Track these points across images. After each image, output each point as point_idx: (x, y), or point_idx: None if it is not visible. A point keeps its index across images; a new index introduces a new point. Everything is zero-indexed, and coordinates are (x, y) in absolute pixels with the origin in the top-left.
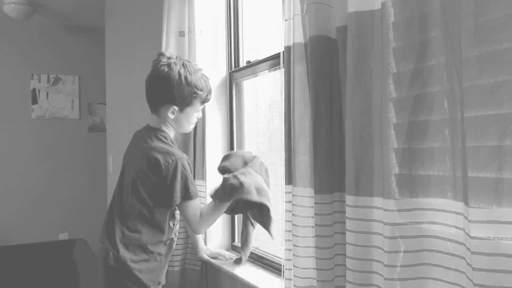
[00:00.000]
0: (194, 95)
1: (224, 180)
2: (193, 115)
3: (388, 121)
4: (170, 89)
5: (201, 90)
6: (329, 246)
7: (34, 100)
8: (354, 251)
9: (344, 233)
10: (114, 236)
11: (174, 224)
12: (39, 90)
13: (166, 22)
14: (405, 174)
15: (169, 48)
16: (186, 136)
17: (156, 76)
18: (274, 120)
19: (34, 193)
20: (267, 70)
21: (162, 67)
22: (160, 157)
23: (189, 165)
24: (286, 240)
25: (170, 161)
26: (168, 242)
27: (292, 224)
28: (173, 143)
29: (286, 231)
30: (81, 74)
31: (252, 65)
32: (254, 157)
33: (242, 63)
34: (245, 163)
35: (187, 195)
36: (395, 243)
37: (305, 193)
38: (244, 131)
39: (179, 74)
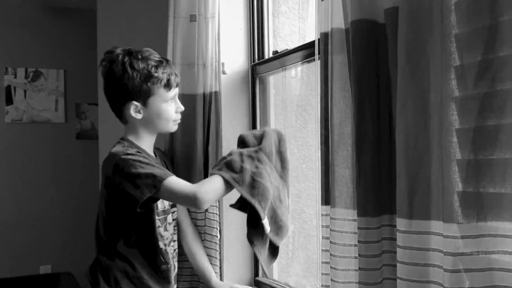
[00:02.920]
0: (150, 79)
1: (229, 154)
2: (164, 107)
3: (449, 126)
4: (118, 83)
5: (156, 72)
6: (376, 281)
7: (9, 100)
8: (407, 287)
9: (395, 266)
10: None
11: (168, 242)
12: (14, 88)
13: (173, 4)
14: (470, 192)
15: (177, 36)
16: (192, 148)
17: (103, 78)
18: (307, 125)
19: (8, 216)
20: (299, 63)
21: (104, 64)
22: (105, 162)
23: (139, 155)
24: (323, 274)
25: (112, 160)
26: (164, 268)
27: (330, 255)
28: (141, 152)
29: (322, 262)
30: (67, 67)
31: (280, 56)
32: (263, 134)
33: (268, 54)
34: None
35: (155, 180)
36: (458, 277)
37: (346, 216)
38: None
39: (123, 63)
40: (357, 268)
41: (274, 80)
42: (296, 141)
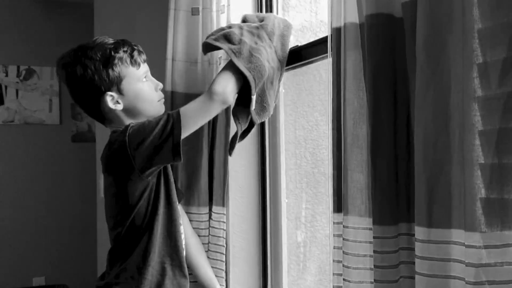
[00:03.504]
0: (114, 62)
1: (228, 27)
2: (140, 86)
3: (471, 128)
4: (83, 81)
5: (116, 52)
6: None
7: (0, 100)
8: None
9: (413, 278)
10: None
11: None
12: (6, 87)
13: None
14: (494, 199)
15: (178, 29)
16: (195, 152)
17: (67, 87)
18: (319, 127)
19: None
20: (310, 60)
21: (60, 74)
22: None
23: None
24: (334, 287)
25: (124, 128)
26: (184, 282)
27: (343, 266)
28: None
29: (334, 274)
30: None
31: (290, 53)
32: (267, 16)
33: None
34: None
35: (170, 117)
36: None
37: (361, 224)
38: (279, 141)
39: (78, 59)
40: (372, 281)
41: (284, 78)
42: (306, 144)
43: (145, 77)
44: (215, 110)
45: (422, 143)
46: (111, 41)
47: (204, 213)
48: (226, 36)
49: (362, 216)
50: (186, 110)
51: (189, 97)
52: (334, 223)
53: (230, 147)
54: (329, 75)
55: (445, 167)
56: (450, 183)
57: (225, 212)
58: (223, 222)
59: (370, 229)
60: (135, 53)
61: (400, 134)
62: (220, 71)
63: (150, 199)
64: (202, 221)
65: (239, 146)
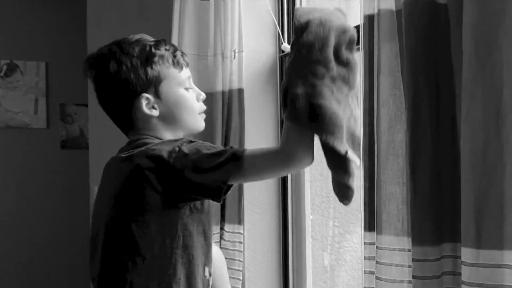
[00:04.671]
0: (153, 60)
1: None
2: (182, 92)
3: None
4: (116, 80)
5: (157, 49)
6: None
7: None
8: None
9: None
10: None
11: (210, 274)
12: None
13: None
14: None
15: (185, 17)
16: None
17: (95, 86)
18: None
19: None
20: None
21: (91, 72)
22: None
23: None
24: None
25: (176, 148)
26: None
27: None
28: None
29: None
30: (50, 59)
31: None
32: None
33: None
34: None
35: (232, 152)
36: None
37: (397, 245)
38: None
39: (113, 54)
40: None
41: None
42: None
43: (188, 82)
44: (287, 171)
45: (470, 150)
46: (151, 38)
47: (215, 233)
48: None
49: (398, 235)
50: (255, 160)
51: None
52: (365, 243)
53: (340, 196)
54: (360, 71)
55: (496, 177)
56: (502, 197)
57: (241, 231)
58: (239, 242)
59: (409, 250)
60: (178, 53)
61: (444, 139)
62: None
63: None
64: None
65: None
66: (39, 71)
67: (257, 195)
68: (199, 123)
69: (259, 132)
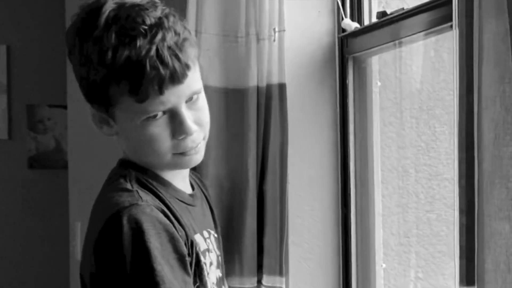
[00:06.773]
0: (107, 75)
1: None
2: (136, 128)
3: None
4: (77, 72)
5: (113, 58)
6: None
7: None
8: None
9: None
10: None
11: None
12: None
13: None
14: None
15: None
16: (237, 179)
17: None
18: (439, 142)
19: None
20: (421, 33)
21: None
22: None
23: (158, 219)
24: None
25: (110, 222)
26: None
27: None
28: (158, 190)
29: None
30: (12, 43)
31: (390, 23)
32: None
33: (369, 18)
34: None
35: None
36: None
37: None
38: (371, 168)
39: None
40: None
41: (380, 64)
42: (417, 172)
43: (159, 111)
44: None
45: None
46: (140, 21)
47: (250, 287)
48: None
49: None
50: None
51: (224, 94)
52: None
53: None
54: (454, 58)
55: None
56: None
57: (284, 286)
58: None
59: None
60: (162, 71)
61: None
62: None
63: None
64: None
65: (301, 170)
66: None
67: (307, 234)
68: (172, 163)
69: (308, 143)
